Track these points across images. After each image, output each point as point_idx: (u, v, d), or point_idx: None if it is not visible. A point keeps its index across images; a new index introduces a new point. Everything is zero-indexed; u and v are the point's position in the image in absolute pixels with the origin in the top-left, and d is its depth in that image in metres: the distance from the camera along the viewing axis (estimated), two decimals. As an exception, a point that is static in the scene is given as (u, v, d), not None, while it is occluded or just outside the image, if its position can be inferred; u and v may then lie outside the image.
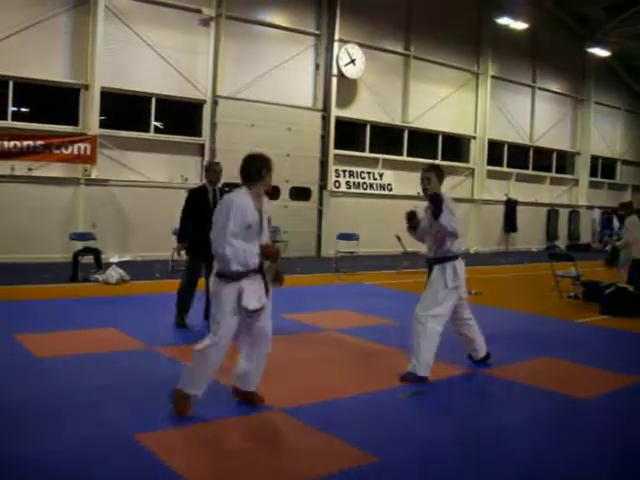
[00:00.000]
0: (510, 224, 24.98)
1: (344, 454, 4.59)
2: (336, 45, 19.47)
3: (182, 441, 4.69)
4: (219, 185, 8.64)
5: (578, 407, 5.84)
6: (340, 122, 20.06)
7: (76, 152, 15.34)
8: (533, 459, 4.62)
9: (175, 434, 4.79)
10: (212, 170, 8.59)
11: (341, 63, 19.56)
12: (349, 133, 20.84)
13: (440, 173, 6.63)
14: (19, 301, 9.94)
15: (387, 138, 21.91)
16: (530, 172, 26.59)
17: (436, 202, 6.34)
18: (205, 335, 5.17)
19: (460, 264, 6.74)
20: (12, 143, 14.57)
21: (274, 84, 18.46)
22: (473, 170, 24.16)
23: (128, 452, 4.44)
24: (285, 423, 5.18)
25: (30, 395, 5.48)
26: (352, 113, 20.55)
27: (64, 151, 15.22)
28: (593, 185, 29.26)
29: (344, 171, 20.36)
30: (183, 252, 8.64)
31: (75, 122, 15.76)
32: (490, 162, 24.46)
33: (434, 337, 6.29)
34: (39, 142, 14.88)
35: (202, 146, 17.37)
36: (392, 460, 4.50)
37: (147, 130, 16.83)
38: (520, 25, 22.67)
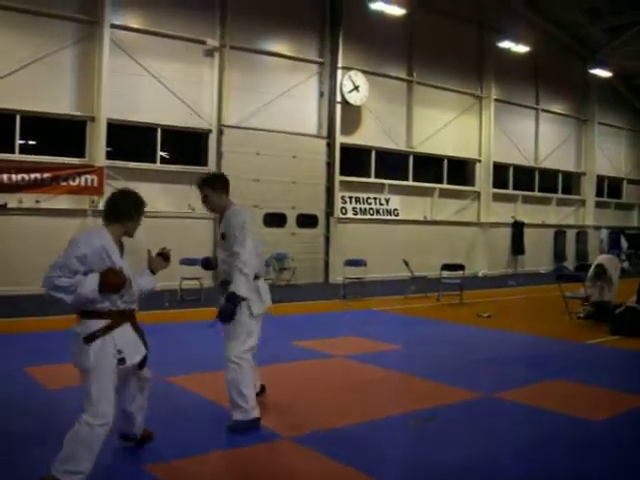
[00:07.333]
0: (517, 246, 24.91)
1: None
2: (339, 72, 19.62)
3: (192, 472, 4.66)
4: None
5: (592, 430, 5.77)
6: (345, 149, 20.15)
7: (83, 184, 15.45)
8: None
9: (185, 465, 4.75)
10: None
11: (345, 90, 19.69)
12: (354, 159, 20.90)
13: (216, 185, 5.68)
14: (28, 333, 9.96)
15: (392, 163, 21.97)
16: (536, 194, 26.60)
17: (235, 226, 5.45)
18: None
19: (263, 285, 5.77)
20: (20, 176, 14.69)
21: (279, 112, 18.59)
22: (479, 193, 24.17)
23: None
24: (295, 452, 5.13)
25: (46, 427, 5.47)
26: (357, 139, 20.65)
27: (71, 183, 15.33)
28: (600, 205, 29.23)
29: (350, 197, 20.40)
30: None
31: (82, 154, 15.90)
32: (496, 185, 24.49)
33: (251, 373, 5.60)
34: (46, 174, 14.99)
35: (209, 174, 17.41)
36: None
37: (153, 161, 16.96)
38: (522, 48, 22.86)
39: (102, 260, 4.27)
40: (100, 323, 4.29)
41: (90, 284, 4.17)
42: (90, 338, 4.25)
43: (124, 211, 4.47)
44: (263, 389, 6.39)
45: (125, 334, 4.40)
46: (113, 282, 4.26)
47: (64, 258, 4.17)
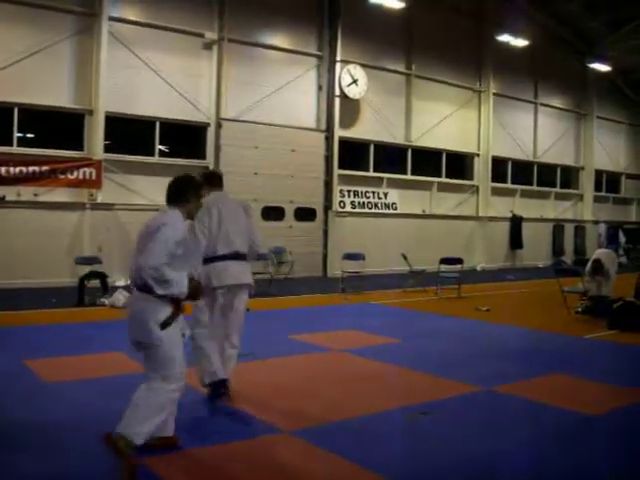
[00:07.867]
0: (516, 240, 24.94)
1: (353, 476, 4.56)
2: (338, 66, 19.59)
3: (190, 465, 4.66)
4: None
5: (590, 424, 5.79)
6: (343, 142, 20.12)
7: (81, 177, 15.42)
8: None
9: (183, 458, 4.75)
10: None
11: (343, 84, 19.66)
12: (353, 153, 20.88)
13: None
14: (26, 326, 9.95)
15: (391, 157, 21.95)
16: (535, 188, 26.59)
17: None
18: None
19: (214, 267, 6.00)
20: (18, 169, 14.67)
21: (277, 106, 18.55)
22: (477, 187, 24.17)
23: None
24: (293, 446, 5.14)
25: (39, 419, 5.48)
26: (355, 133, 20.63)
27: (69, 176, 15.30)
28: (598, 200, 29.22)
29: (349, 191, 20.38)
30: None
31: (80, 147, 15.86)
32: (494, 179, 24.47)
33: (205, 344, 6.01)
34: (44, 167, 14.96)
35: (207, 169, 17.39)
36: (402, 481, 4.46)
37: (152, 154, 16.91)
38: (520, 42, 22.87)
39: (187, 241, 4.63)
40: (170, 309, 4.52)
41: (184, 285, 4.48)
42: (165, 324, 4.50)
43: (182, 193, 4.79)
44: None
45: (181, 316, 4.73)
46: (195, 294, 4.71)
47: (164, 244, 4.37)
